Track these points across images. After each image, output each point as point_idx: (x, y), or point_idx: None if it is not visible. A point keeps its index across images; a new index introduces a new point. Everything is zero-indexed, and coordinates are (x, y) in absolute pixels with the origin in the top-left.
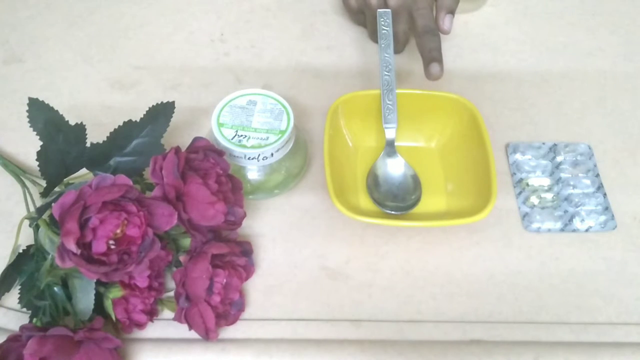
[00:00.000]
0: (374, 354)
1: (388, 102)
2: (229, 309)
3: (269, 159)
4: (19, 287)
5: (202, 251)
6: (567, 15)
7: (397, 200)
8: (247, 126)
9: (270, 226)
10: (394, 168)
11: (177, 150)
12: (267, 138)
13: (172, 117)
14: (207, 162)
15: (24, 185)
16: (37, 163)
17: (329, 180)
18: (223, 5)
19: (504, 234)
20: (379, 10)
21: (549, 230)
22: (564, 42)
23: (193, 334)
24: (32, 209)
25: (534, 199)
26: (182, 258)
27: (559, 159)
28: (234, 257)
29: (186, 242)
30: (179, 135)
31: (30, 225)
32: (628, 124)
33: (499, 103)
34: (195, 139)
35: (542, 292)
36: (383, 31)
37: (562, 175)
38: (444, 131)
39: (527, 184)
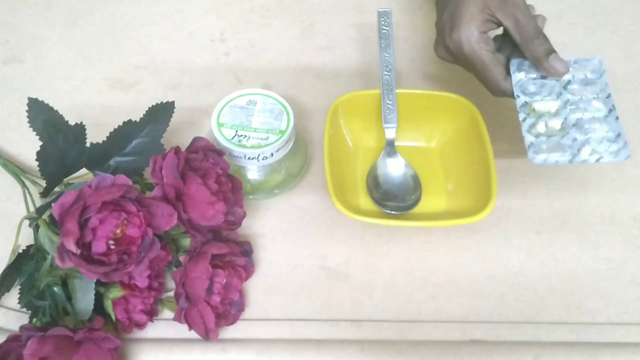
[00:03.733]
0: (374, 354)
1: (388, 102)
2: (229, 309)
3: (269, 159)
4: (19, 287)
5: (202, 251)
6: (567, 15)
7: (397, 200)
8: (247, 126)
9: (270, 226)
10: (394, 168)
11: (177, 150)
12: (267, 138)
13: (172, 117)
14: (206, 162)
15: (24, 185)
16: (37, 163)
17: (329, 180)
18: (223, 5)
19: (504, 234)
20: (378, 10)
21: (557, 162)
22: (564, 42)
23: (193, 334)
24: (32, 209)
25: (540, 127)
26: (182, 258)
27: (567, 77)
28: (234, 257)
29: (186, 242)
30: (179, 135)
31: (30, 225)
32: (628, 124)
33: (499, 103)
34: (195, 139)
35: (542, 292)
36: (383, 31)
37: (570, 97)
38: (444, 131)
39: (533, 109)
